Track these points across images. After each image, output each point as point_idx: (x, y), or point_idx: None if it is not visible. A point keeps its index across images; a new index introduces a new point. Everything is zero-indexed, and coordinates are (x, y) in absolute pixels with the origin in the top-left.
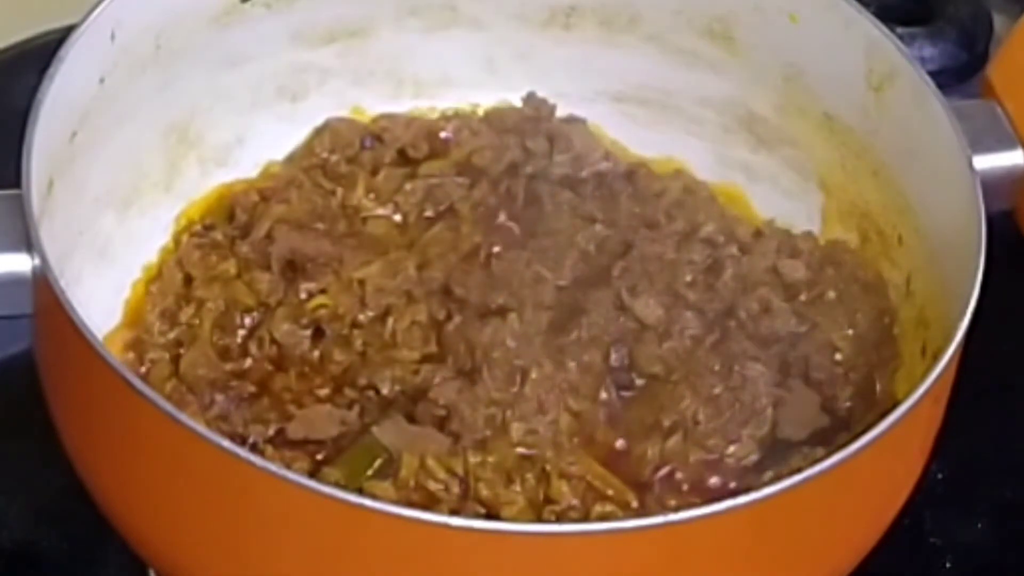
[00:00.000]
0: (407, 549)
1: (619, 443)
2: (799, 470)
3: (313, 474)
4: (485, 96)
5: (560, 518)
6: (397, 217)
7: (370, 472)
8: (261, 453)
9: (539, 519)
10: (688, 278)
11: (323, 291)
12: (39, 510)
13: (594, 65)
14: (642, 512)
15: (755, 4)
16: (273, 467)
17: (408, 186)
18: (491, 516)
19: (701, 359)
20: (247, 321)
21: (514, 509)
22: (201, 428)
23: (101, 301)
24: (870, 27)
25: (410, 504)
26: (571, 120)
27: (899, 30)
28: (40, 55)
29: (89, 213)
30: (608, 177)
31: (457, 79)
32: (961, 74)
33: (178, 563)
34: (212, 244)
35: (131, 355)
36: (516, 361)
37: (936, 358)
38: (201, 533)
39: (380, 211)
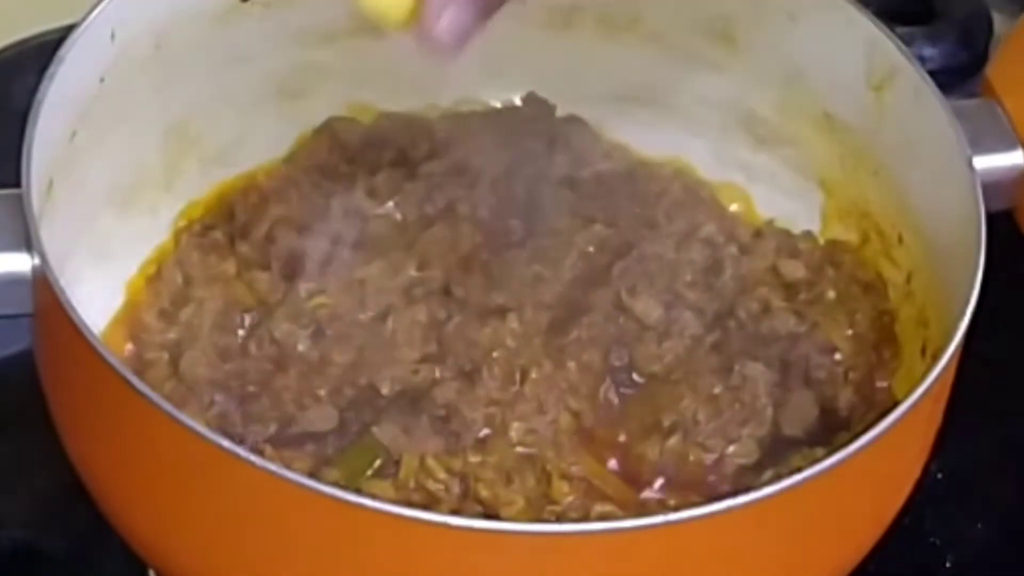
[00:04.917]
0: (407, 549)
1: (619, 443)
2: (799, 470)
3: (313, 474)
4: (485, 96)
5: (560, 518)
6: (397, 217)
7: (370, 472)
8: (261, 453)
9: (539, 519)
10: (688, 278)
11: (323, 291)
12: (39, 510)
13: (594, 65)
14: (642, 512)
15: (755, 4)
16: (273, 467)
17: (408, 186)
18: (491, 516)
19: (701, 359)
20: (247, 321)
21: (514, 509)
22: (201, 428)
23: (101, 301)
24: (870, 27)
25: (410, 504)
26: (571, 120)
27: (899, 30)
28: (40, 55)
29: (89, 213)
30: (608, 177)
31: (457, 79)
32: (961, 74)
33: (178, 563)
34: (212, 244)
35: (131, 355)
36: (516, 361)
37: (936, 358)
38: (201, 533)
39: (380, 211)
